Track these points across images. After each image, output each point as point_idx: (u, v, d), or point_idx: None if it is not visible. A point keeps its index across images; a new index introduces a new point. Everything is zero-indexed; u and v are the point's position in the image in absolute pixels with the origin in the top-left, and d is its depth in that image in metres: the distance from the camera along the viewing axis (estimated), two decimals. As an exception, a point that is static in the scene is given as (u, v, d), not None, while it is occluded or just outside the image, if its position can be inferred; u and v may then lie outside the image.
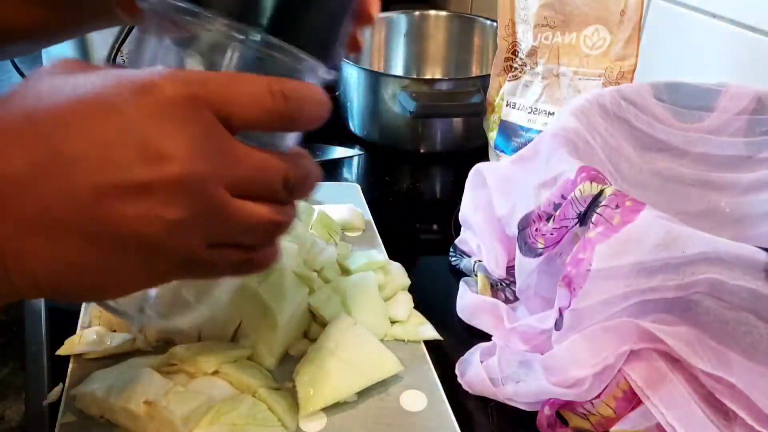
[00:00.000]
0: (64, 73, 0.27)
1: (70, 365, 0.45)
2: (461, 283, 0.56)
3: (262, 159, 0.28)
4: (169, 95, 0.25)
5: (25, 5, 0.45)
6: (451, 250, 0.61)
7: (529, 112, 0.68)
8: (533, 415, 0.44)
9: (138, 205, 0.25)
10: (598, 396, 0.41)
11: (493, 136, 0.71)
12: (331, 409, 0.43)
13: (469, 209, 0.58)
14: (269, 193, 0.29)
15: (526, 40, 0.67)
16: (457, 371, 0.48)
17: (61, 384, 0.44)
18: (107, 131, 0.24)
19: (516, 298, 0.53)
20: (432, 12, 0.95)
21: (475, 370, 0.47)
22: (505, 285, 0.55)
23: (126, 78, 0.25)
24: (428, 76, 0.98)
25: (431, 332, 0.51)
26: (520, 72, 0.69)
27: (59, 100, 0.25)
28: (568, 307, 0.41)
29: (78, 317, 0.49)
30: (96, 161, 0.24)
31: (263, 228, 0.29)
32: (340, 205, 0.63)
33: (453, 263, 0.60)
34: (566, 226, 0.43)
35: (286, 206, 0.30)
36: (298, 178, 0.30)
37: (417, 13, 0.95)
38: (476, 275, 0.56)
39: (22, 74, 0.92)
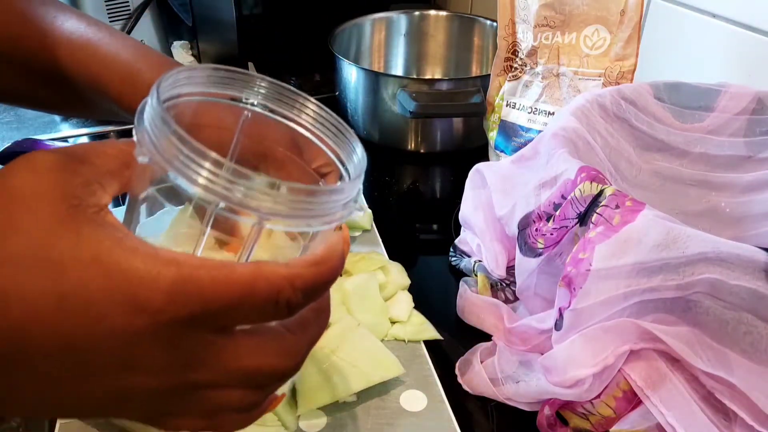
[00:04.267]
0: (57, 202, 0.24)
1: (70, 365, 0.45)
2: (461, 283, 0.56)
3: (255, 366, 0.26)
4: (163, 321, 0.23)
5: (33, 85, 0.47)
6: (451, 250, 0.61)
7: (529, 112, 0.68)
8: (533, 415, 0.44)
9: (99, 398, 0.24)
10: (598, 396, 0.41)
11: (493, 136, 0.71)
12: (331, 409, 0.43)
13: (469, 209, 0.58)
14: (263, 388, 0.28)
15: (526, 40, 0.67)
16: (457, 371, 0.48)
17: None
18: (87, 342, 0.23)
19: (516, 298, 0.53)
20: (432, 12, 0.95)
21: (475, 370, 0.47)
22: (505, 285, 0.55)
23: (127, 276, 0.23)
24: (428, 76, 0.98)
25: (431, 332, 0.51)
26: (520, 72, 0.69)
27: (38, 286, 0.22)
28: (568, 307, 0.41)
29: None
30: (68, 366, 0.23)
31: (240, 407, 0.27)
32: None
33: (453, 263, 0.60)
34: (566, 226, 0.43)
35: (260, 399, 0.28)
36: (299, 365, 0.28)
37: (417, 13, 0.95)
38: (476, 275, 0.56)
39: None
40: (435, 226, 0.70)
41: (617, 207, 0.40)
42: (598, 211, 0.41)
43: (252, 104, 0.32)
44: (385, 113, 0.78)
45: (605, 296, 0.40)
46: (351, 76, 0.80)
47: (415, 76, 0.97)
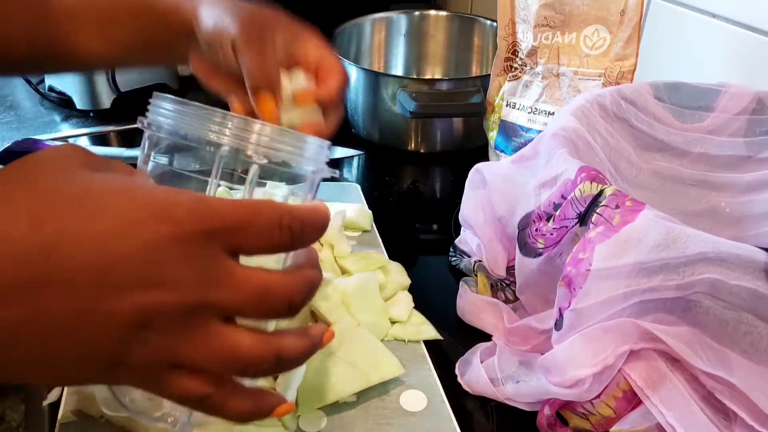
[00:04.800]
0: (77, 166, 0.28)
1: (70, 365, 0.45)
2: (461, 283, 0.56)
3: (264, 284, 0.28)
4: (185, 230, 0.26)
5: (107, 45, 0.50)
6: (451, 250, 0.61)
7: (529, 112, 0.68)
8: (533, 415, 0.44)
9: (121, 316, 0.25)
10: (598, 396, 0.41)
11: (493, 136, 0.71)
12: (331, 409, 0.43)
13: (469, 209, 0.58)
14: (271, 317, 0.30)
15: (526, 40, 0.67)
16: (457, 371, 0.48)
17: (61, 384, 0.44)
18: (115, 251, 0.25)
19: (516, 298, 0.53)
20: (432, 12, 0.95)
21: (475, 370, 0.47)
22: (505, 285, 0.55)
23: (148, 199, 0.26)
24: (428, 76, 0.98)
25: (431, 332, 0.51)
26: (520, 72, 0.69)
27: (69, 206, 0.25)
28: (568, 307, 0.41)
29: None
30: (94, 278, 0.25)
31: (242, 362, 0.28)
32: (347, 204, 0.63)
33: (453, 263, 0.60)
34: (566, 226, 0.43)
35: (282, 341, 0.29)
36: (304, 295, 0.29)
37: (417, 13, 0.95)
38: (476, 275, 0.56)
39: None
40: (435, 226, 0.70)
41: (617, 207, 0.40)
42: (598, 211, 0.41)
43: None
44: (385, 113, 0.78)
45: (605, 296, 0.40)
46: (351, 76, 0.80)
47: (415, 76, 0.97)
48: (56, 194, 0.26)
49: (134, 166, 0.31)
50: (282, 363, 0.29)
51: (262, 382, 0.43)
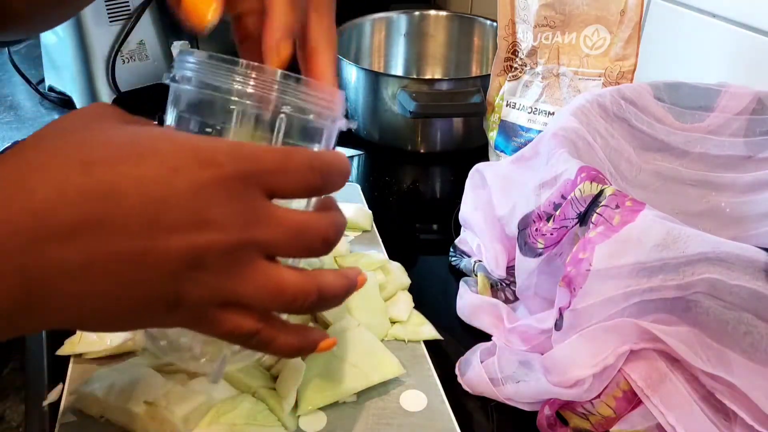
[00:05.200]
0: (113, 120, 0.29)
1: (70, 365, 0.45)
2: (461, 283, 0.56)
3: (301, 222, 0.29)
4: (226, 172, 0.27)
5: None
6: (451, 250, 0.61)
7: (529, 112, 0.68)
8: (533, 415, 0.44)
9: (174, 256, 0.27)
10: (598, 396, 0.41)
11: (493, 136, 0.71)
12: (331, 409, 0.43)
13: (469, 209, 0.58)
14: (308, 254, 0.31)
15: (526, 40, 0.67)
16: (457, 371, 0.48)
17: (61, 384, 0.44)
18: (164, 193, 0.26)
19: (516, 298, 0.53)
20: (432, 12, 0.95)
21: (475, 370, 0.47)
22: (505, 285, 0.55)
23: (189, 145, 0.28)
24: (428, 76, 0.98)
25: (431, 332, 0.51)
26: (520, 72, 0.69)
27: (117, 152, 0.27)
28: (568, 307, 0.41)
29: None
30: (147, 219, 0.26)
31: (288, 296, 0.30)
32: (347, 203, 0.63)
33: (453, 263, 0.60)
34: (566, 226, 0.43)
35: (323, 277, 0.31)
36: (336, 234, 0.31)
37: (417, 13, 0.95)
38: (476, 275, 0.56)
39: (22, 74, 0.92)
40: (435, 226, 0.70)
41: (617, 207, 0.40)
42: (598, 211, 0.41)
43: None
44: (385, 113, 0.78)
45: (605, 296, 0.40)
46: (351, 76, 0.80)
47: (415, 76, 0.97)
48: (103, 142, 0.27)
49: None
50: (323, 299, 0.31)
51: None
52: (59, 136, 0.28)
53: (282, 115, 0.32)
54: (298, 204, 0.33)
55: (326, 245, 0.31)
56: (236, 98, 0.31)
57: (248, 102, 0.31)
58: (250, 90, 0.31)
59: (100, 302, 0.27)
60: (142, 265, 0.26)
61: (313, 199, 0.34)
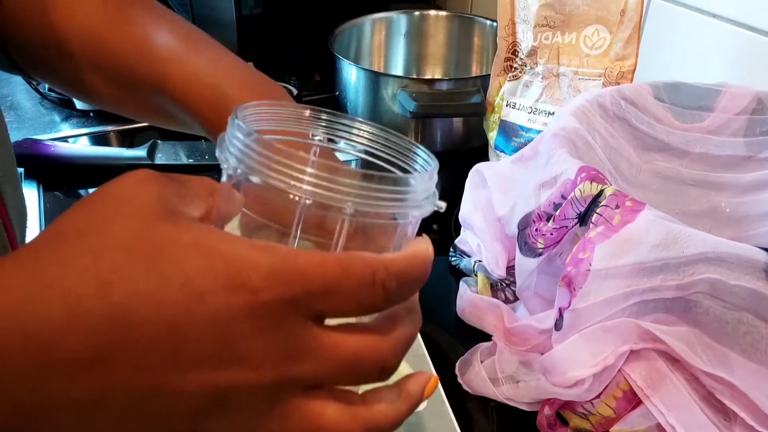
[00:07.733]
0: (152, 206, 0.24)
1: None
2: (461, 283, 0.56)
3: (354, 351, 0.25)
4: (261, 300, 0.23)
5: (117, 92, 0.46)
6: (451, 250, 0.61)
7: (529, 112, 0.68)
8: (533, 415, 0.44)
9: (195, 393, 0.23)
10: (598, 396, 0.41)
11: (493, 136, 0.71)
12: (331, 409, 0.43)
13: (469, 209, 0.58)
14: (363, 383, 0.26)
15: (526, 40, 0.67)
16: (457, 371, 0.48)
17: None
18: (186, 322, 0.23)
19: (516, 298, 0.53)
20: (432, 12, 0.95)
21: (475, 370, 0.47)
22: (505, 285, 0.55)
23: (222, 261, 0.23)
24: (428, 76, 0.98)
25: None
26: (520, 72, 0.69)
27: (138, 267, 0.23)
28: (568, 307, 0.41)
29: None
30: (165, 352, 0.23)
31: None
32: None
33: (453, 263, 0.60)
34: (566, 226, 0.43)
35: (374, 410, 0.26)
36: (398, 358, 0.26)
37: (417, 13, 0.95)
38: (476, 275, 0.56)
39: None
40: (435, 226, 0.70)
41: (617, 207, 0.40)
42: (598, 211, 0.41)
43: (319, 140, 0.32)
44: (385, 113, 0.78)
45: (605, 296, 0.40)
46: (351, 76, 0.80)
47: (415, 76, 0.97)
48: (127, 250, 0.23)
49: (161, 170, 0.27)
50: None
51: None
52: (80, 236, 0.24)
53: (345, 218, 0.27)
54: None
55: (383, 375, 0.26)
56: (300, 197, 0.26)
57: (311, 203, 0.26)
58: (317, 190, 0.25)
59: None
60: (157, 403, 0.23)
61: None
